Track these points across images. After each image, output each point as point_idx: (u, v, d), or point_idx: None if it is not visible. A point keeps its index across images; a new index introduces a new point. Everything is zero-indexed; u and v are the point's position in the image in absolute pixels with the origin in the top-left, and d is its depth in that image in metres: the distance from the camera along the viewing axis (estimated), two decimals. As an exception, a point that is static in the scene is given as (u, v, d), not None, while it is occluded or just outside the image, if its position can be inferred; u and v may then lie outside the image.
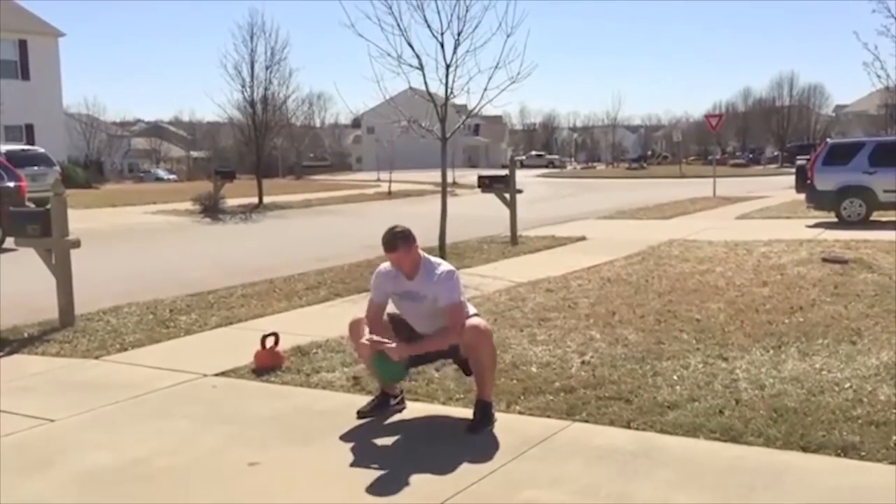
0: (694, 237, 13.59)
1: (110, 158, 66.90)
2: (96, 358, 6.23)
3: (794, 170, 21.48)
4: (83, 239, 7.59)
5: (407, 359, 4.44)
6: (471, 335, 4.35)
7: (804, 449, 3.95)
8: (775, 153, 77.12)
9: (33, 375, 5.80)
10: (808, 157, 20.38)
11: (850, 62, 63.49)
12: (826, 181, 16.31)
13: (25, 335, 7.01)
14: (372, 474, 3.77)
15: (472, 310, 4.63)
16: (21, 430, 4.56)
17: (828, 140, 19.69)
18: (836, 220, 16.03)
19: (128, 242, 16.06)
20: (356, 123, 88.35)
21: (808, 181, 16.84)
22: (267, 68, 24.64)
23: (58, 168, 26.12)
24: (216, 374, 5.59)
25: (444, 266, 4.49)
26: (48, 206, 7.41)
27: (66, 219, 7.42)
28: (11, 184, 15.69)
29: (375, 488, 3.62)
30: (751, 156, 78.05)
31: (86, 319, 7.51)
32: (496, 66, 11.36)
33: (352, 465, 3.93)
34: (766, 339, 6.10)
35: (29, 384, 5.57)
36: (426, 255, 4.59)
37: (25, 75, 36.37)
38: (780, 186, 29.27)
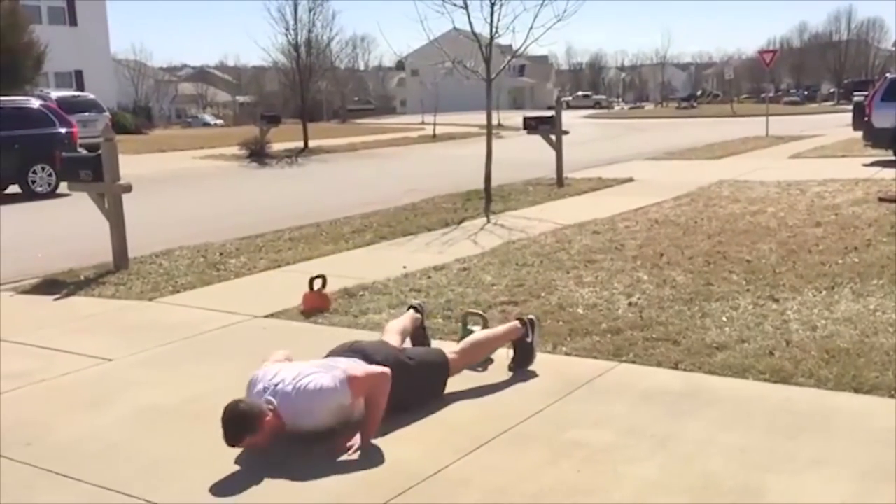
0: (745, 177, 13.31)
1: (158, 104, 67.59)
2: (150, 300, 6.38)
3: (850, 107, 20.83)
4: (133, 184, 7.71)
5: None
6: (463, 362, 4.18)
7: (856, 390, 3.89)
8: (831, 90, 74.89)
9: (90, 317, 5.97)
10: (865, 93, 19.72)
11: (913, -7, 60.76)
12: (885, 118, 15.76)
13: (81, 278, 7.20)
14: (415, 413, 3.81)
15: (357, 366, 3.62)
16: (80, 370, 4.71)
17: (887, 75, 18.97)
18: (893, 158, 15.53)
19: (177, 187, 16.30)
20: (400, 66, 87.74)
21: (866, 118, 16.33)
22: (310, 10, 24.59)
23: (107, 114, 26.54)
24: (266, 316, 5.68)
25: (301, 397, 3.42)
26: (99, 152, 7.53)
27: (117, 163, 7.53)
28: (63, 130, 15.98)
29: (419, 428, 3.67)
30: (805, 93, 75.83)
31: (139, 262, 7.68)
32: (542, 4, 11.16)
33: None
34: (818, 279, 5.99)
35: (86, 325, 5.74)
36: (274, 405, 3.45)
37: (73, 21, 36.73)
38: (835, 124, 28.40)
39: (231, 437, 3.38)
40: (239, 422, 3.37)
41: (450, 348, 4.25)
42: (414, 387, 3.82)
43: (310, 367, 3.63)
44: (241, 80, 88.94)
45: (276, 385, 3.52)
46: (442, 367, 4.03)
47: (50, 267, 7.66)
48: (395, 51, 74.31)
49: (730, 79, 67.49)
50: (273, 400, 3.47)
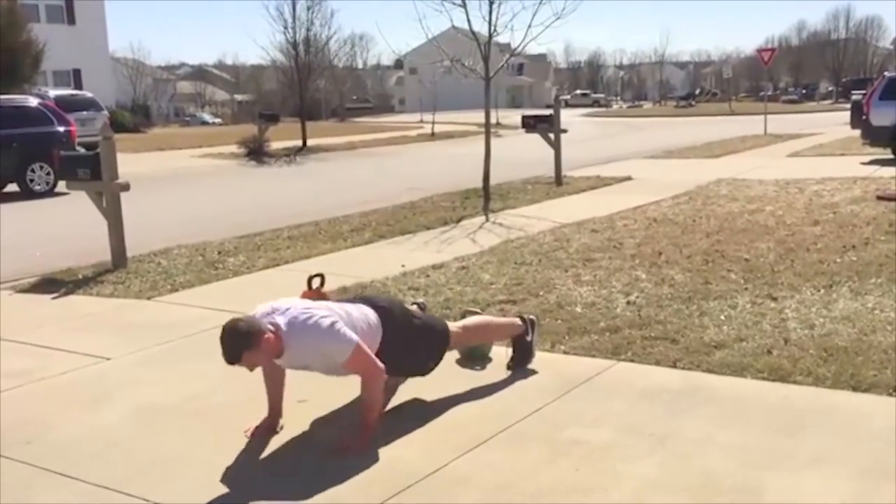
0: (743, 176, 13.32)
1: (156, 102, 67.58)
2: (148, 298, 6.38)
3: (849, 105, 20.84)
4: (132, 183, 7.70)
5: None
6: (464, 337, 4.20)
7: (854, 388, 3.90)
8: (830, 88, 74.98)
9: (88, 315, 5.97)
10: (863, 91, 19.74)
11: (911, -9, 60.93)
12: (883, 116, 15.78)
13: (80, 276, 7.19)
14: (414, 412, 3.82)
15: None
16: (79, 368, 4.71)
17: (885, 73, 18.98)
18: (892, 156, 15.54)
19: (175, 186, 16.29)
20: (399, 64, 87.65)
21: (864, 116, 16.34)
22: (308, 9, 24.60)
23: (106, 112, 26.54)
24: (265, 315, 5.67)
25: (310, 329, 3.42)
26: (98, 151, 7.52)
27: (115, 162, 7.52)
28: (62, 128, 15.95)
29: (419, 427, 3.68)
30: (804, 92, 75.86)
31: (137, 261, 7.67)
32: (540, 2, 11.17)
33: (395, 403, 3.98)
34: (816, 278, 6.00)
35: (84, 324, 5.74)
36: (280, 322, 3.46)
37: (71, 20, 36.69)
38: (834, 123, 28.43)
39: (229, 353, 3.31)
40: (237, 338, 3.31)
41: (453, 324, 4.27)
42: (414, 346, 3.85)
43: (325, 305, 3.64)
44: (239, 78, 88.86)
45: (286, 310, 3.49)
46: (444, 335, 4.04)
47: (48, 266, 7.66)
48: (394, 49, 73.66)
49: (728, 77, 67.45)
50: (277, 321, 3.42)
